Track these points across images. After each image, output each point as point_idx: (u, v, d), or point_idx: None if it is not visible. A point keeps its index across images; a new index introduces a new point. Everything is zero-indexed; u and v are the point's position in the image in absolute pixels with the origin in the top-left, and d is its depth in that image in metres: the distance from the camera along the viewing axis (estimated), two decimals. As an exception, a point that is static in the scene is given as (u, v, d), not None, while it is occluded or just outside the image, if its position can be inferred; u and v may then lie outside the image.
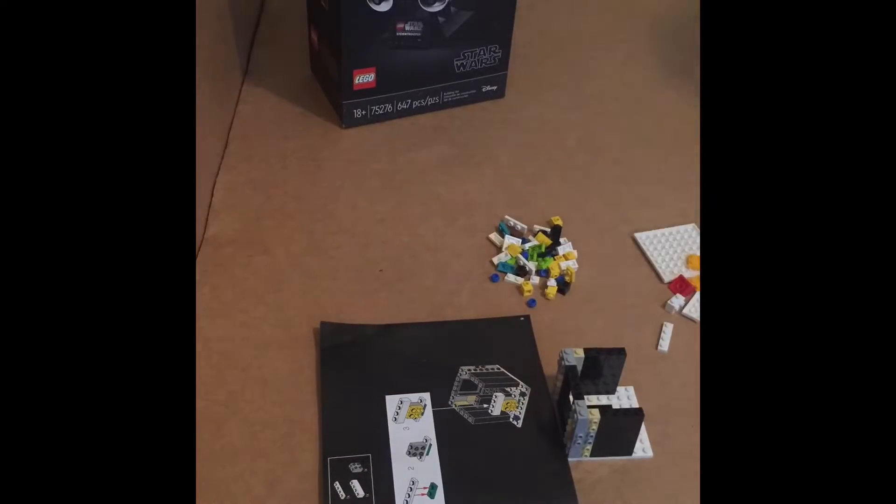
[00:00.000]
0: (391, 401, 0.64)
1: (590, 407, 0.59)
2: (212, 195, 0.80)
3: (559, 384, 0.63)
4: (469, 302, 0.72)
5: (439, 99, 0.90)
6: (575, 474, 0.60)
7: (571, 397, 0.59)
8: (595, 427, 0.58)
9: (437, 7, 0.82)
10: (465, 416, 0.63)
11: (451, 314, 0.70)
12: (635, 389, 0.65)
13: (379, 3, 0.80)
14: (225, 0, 0.86)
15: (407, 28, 0.83)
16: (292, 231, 0.77)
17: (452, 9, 0.83)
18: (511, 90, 0.93)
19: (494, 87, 0.91)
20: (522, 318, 0.70)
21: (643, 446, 0.61)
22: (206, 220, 0.77)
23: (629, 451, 0.61)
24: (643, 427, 0.61)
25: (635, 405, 0.62)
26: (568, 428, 0.60)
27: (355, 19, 0.80)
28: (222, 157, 0.84)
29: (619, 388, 0.64)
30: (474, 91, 0.91)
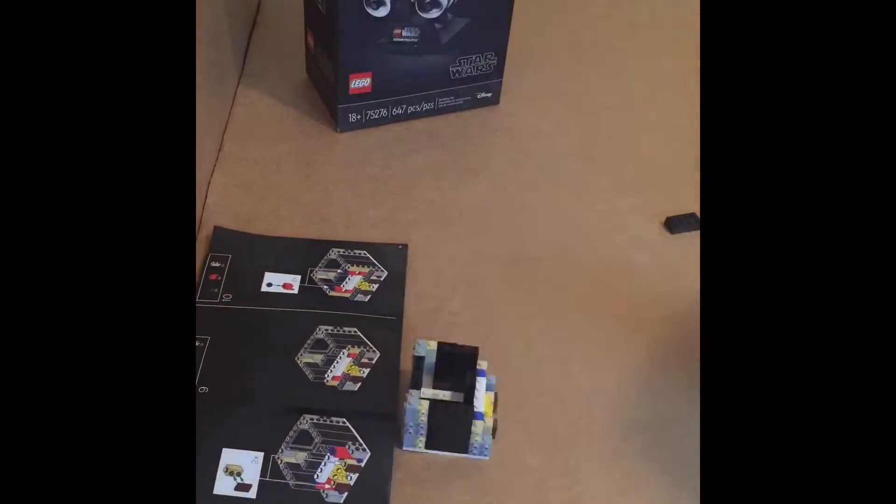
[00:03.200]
0: None
1: (422, 399, 0.59)
2: (206, 197, 0.80)
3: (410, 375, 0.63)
4: (463, 307, 0.72)
5: (434, 105, 0.90)
6: (569, 480, 0.60)
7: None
8: (424, 418, 0.59)
9: (433, 13, 0.82)
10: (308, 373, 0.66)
11: (444, 317, 0.71)
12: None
13: (376, 9, 0.80)
14: (221, 2, 0.86)
15: (403, 34, 0.83)
16: (286, 234, 0.77)
17: (449, 15, 0.83)
18: (506, 97, 0.93)
19: (489, 94, 0.92)
20: (400, 247, 0.75)
21: (482, 447, 0.60)
22: (200, 221, 0.77)
23: (464, 449, 0.61)
24: (487, 427, 0.60)
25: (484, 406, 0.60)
26: (400, 414, 0.62)
27: (352, 24, 0.80)
28: (217, 159, 0.84)
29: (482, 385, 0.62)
30: (469, 98, 0.91)
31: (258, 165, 0.84)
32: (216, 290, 0.70)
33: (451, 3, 0.82)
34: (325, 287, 0.71)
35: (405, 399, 0.59)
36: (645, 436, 0.63)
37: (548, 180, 0.84)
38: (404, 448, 0.61)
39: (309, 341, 0.67)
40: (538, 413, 0.65)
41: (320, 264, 0.73)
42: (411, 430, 0.60)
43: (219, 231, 0.75)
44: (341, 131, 0.88)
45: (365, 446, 0.60)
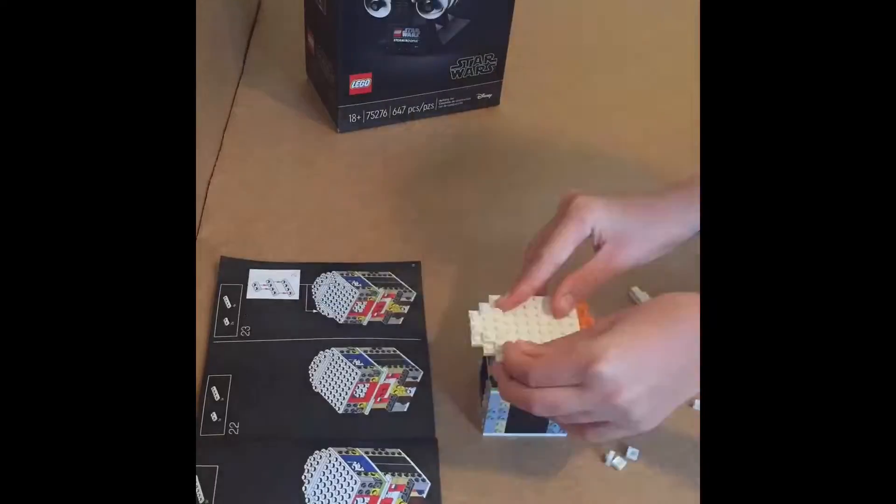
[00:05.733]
0: None
1: None
2: (205, 197, 0.79)
3: (481, 360, 0.62)
4: (464, 308, 0.72)
5: (434, 105, 0.90)
6: (569, 481, 0.60)
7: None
8: (507, 403, 0.58)
9: (434, 14, 0.82)
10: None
11: (446, 318, 0.71)
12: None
13: (377, 9, 0.80)
14: (221, 2, 0.87)
15: (404, 34, 0.83)
16: (286, 234, 0.77)
17: (449, 16, 0.83)
18: (506, 98, 0.93)
19: (489, 95, 0.92)
20: (413, 265, 0.73)
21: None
22: (200, 221, 0.77)
23: (544, 428, 0.61)
24: None
25: None
26: (483, 402, 0.61)
27: (352, 24, 0.80)
28: (216, 159, 0.84)
29: None
30: (469, 98, 0.91)
31: (258, 165, 0.84)
32: (233, 324, 0.68)
33: (451, 3, 0.82)
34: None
35: (486, 386, 0.58)
36: (645, 436, 0.63)
37: (548, 180, 0.84)
38: (484, 434, 0.61)
39: (350, 367, 0.65)
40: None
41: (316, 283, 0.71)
42: (493, 416, 0.60)
43: (226, 261, 0.73)
44: (341, 131, 0.88)
45: (423, 475, 0.58)
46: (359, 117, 0.87)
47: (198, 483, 0.56)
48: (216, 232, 0.76)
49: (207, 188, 0.80)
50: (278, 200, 0.80)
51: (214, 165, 0.83)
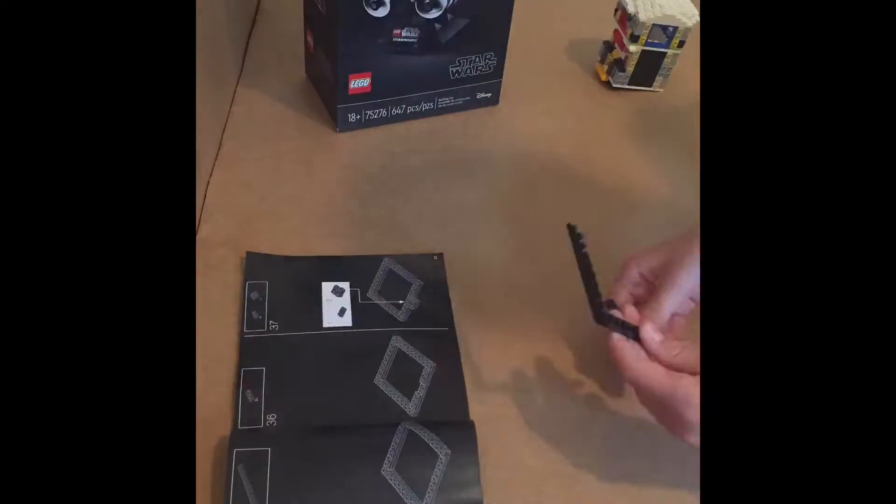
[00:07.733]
0: None
1: None
2: (205, 196, 0.79)
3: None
4: (465, 308, 0.72)
5: (434, 105, 0.90)
6: (569, 480, 0.60)
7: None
8: None
9: (433, 14, 0.82)
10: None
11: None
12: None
13: (376, 9, 0.80)
14: (221, 1, 0.86)
15: (403, 34, 0.83)
16: (285, 234, 0.77)
17: (449, 16, 0.83)
18: (505, 97, 0.93)
19: (489, 94, 0.92)
20: (436, 257, 0.75)
21: None
22: (199, 221, 0.77)
23: None
24: None
25: None
26: None
27: (352, 24, 0.80)
28: (216, 158, 0.84)
29: None
30: (469, 98, 0.91)
31: (257, 165, 0.84)
32: (261, 317, 0.68)
33: (450, 3, 0.82)
34: (382, 302, 0.71)
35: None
36: (645, 436, 0.64)
37: (547, 180, 0.85)
38: None
39: (384, 359, 0.66)
40: (539, 413, 0.65)
41: (374, 279, 0.73)
42: None
43: (252, 256, 0.73)
44: (341, 131, 0.88)
45: (448, 448, 0.59)
46: (358, 117, 0.87)
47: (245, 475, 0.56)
48: (216, 231, 0.76)
49: (207, 187, 0.80)
50: (277, 200, 0.80)
51: (214, 165, 0.83)
